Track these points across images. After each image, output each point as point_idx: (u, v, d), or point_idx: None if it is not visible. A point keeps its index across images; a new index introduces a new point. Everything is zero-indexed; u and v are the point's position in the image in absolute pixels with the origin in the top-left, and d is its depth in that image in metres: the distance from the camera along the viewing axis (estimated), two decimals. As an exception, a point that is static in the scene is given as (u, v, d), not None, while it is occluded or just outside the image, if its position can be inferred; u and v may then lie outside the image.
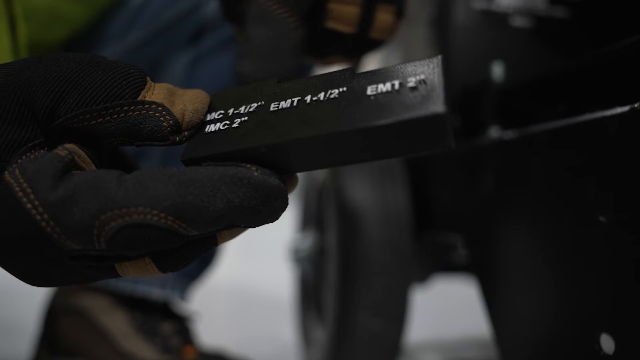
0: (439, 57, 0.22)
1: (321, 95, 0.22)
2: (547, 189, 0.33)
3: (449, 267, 0.63)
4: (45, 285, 0.22)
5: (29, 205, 0.20)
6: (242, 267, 0.96)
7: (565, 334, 0.32)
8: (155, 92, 0.22)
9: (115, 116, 0.22)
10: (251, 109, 0.23)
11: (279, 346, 0.77)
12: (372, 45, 0.34)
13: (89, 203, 0.20)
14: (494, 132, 0.43)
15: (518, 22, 0.48)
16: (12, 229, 0.20)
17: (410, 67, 0.21)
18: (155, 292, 0.52)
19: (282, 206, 0.21)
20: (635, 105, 0.26)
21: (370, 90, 0.21)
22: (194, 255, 0.22)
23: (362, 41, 0.33)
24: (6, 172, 0.20)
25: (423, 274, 0.62)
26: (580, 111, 0.37)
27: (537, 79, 0.39)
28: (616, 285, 0.28)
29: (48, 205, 0.20)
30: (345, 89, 0.22)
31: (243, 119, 0.23)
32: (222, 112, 0.24)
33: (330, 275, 0.56)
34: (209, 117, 0.24)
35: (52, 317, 0.54)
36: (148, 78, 0.23)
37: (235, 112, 0.24)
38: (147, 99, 0.22)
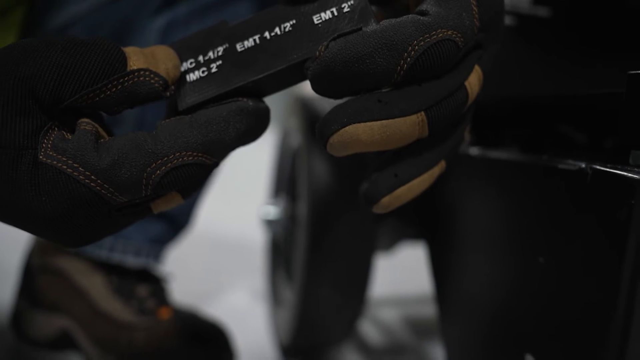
0: None
1: (277, 30, 0.26)
2: (499, 214, 0.36)
3: (415, 236, 0.66)
4: (88, 243, 0.26)
5: (81, 177, 0.23)
6: (214, 211, 0.98)
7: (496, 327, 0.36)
8: (135, 59, 0.25)
9: (114, 89, 0.25)
10: (220, 53, 0.27)
11: (252, 296, 0.81)
12: None
13: (135, 161, 0.24)
14: (465, 136, 0.44)
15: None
16: (68, 199, 0.23)
17: None
18: (130, 260, 0.54)
19: (268, 123, 0.27)
20: (583, 165, 0.28)
21: (316, 20, 0.26)
22: (204, 180, 0.27)
23: None
24: (41, 157, 0.23)
25: (388, 243, 0.66)
26: (544, 137, 0.39)
27: (508, 98, 0.40)
28: (544, 312, 0.31)
29: (99, 172, 0.23)
30: (294, 21, 0.26)
31: (218, 62, 0.27)
32: (193, 60, 0.27)
33: (299, 244, 0.59)
34: (183, 68, 0.27)
35: (31, 274, 0.56)
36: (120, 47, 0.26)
37: (205, 58, 0.27)
38: (134, 67, 0.25)
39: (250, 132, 0.26)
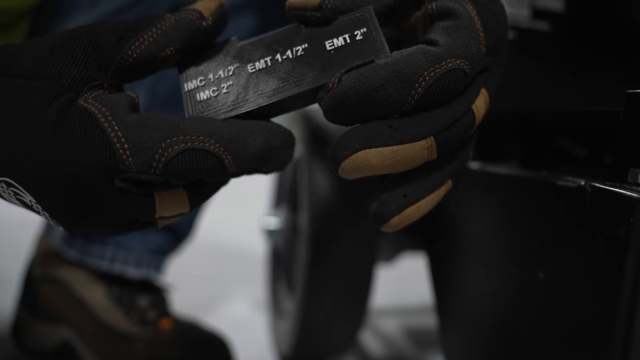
0: (370, 8, 0.27)
1: (289, 54, 0.27)
2: (499, 228, 0.36)
3: (416, 247, 0.66)
4: (84, 220, 0.26)
5: (105, 125, 0.24)
6: (215, 221, 0.99)
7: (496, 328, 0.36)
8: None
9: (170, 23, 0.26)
10: (230, 73, 0.27)
11: (253, 306, 0.81)
12: None
13: (160, 127, 0.24)
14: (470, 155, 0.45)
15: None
16: (81, 145, 0.24)
17: (350, 21, 0.27)
18: (131, 271, 0.54)
19: (292, 155, 0.27)
20: (582, 182, 0.28)
21: (328, 46, 0.26)
22: (214, 192, 0.27)
23: None
24: (80, 100, 0.24)
25: (389, 254, 0.66)
26: (543, 151, 0.39)
27: (507, 112, 0.40)
28: (544, 326, 0.31)
29: (124, 125, 0.24)
30: (306, 45, 0.27)
31: (228, 83, 0.27)
32: (202, 78, 0.27)
33: (300, 254, 0.59)
34: (192, 85, 0.27)
35: (32, 284, 0.57)
36: None
37: (216, 77, 0.27)
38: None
39: (274, 154, 0.26)
